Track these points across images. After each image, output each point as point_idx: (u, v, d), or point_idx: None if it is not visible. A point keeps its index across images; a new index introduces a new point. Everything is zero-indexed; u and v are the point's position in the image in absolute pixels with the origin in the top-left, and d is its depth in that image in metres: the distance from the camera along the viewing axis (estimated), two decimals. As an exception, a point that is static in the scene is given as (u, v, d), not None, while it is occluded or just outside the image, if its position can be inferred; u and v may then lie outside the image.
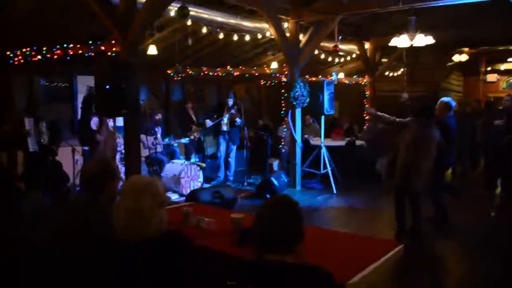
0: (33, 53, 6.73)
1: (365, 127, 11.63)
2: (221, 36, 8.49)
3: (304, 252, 1.92)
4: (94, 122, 7.15)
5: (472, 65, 14.86)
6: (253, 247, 1.98)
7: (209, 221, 3.23)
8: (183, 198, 6.88)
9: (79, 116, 7.79)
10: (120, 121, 6.02)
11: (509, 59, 15.04)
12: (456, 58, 13.16)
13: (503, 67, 15.89)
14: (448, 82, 15.03)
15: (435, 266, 4.83)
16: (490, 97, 14.38)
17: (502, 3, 6.75)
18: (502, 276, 4.27)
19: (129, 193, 2.13)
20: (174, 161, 8.22)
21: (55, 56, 6.65)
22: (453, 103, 6.09)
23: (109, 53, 6.09)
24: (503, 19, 9.21)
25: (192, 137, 9.08)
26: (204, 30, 8.12)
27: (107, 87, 4.90)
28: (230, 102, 8.74)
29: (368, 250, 2.83)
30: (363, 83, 12.30)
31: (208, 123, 8.72)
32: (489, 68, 15.89)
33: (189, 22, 7.41)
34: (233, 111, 8.60)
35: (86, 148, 7.11)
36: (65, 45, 6.54)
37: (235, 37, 8.71)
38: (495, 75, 16.14)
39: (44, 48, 6.65)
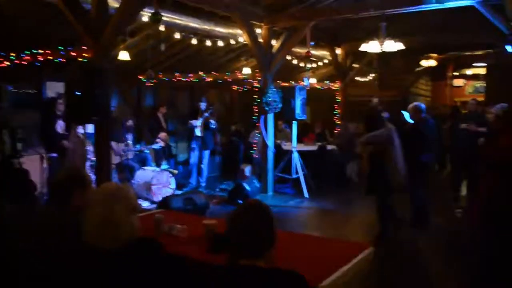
0: (0, 59, 6.58)
1: (336, 132, 11.78)
2: (194, 42, 8.48)
3: (276, 256, 1.94)
4: (60, 126, 7.00)
5: (440, 70, 15.25)
6: (226, 252, 1.99)
7: (181, 228, 3.22)
8: (154, 206, 6.82)
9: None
10: (89, 128, 5.94)
11: (475, 64, 15.51)
12: (425, 63, 13.48)
13: (469, 72, 16.38)
14: (417, 87, 15.40)
15: (406, 266, 4.93)
16: (457, 102, 14.78)
17: (468, 10, 6.97)
18: (472, 276, 4.38)
19: (100, 200, 2.12)
20: (145, 168, 8.13)
21: (24, 62, 6.52)
22: (423, 105, 6.34)
23: (80, 59, 6.00)
24: (470, 26, 9.50)
25: (161, 144, 8.98)
26: (177, 35, 8.10)
27: (78, 93, 4.83)
28: (203, 106, 8.74)
29: (340, 252, 2.87)
30: (334, 88, 12.46)
31: (194, 123, 8.68)
32: (456, 73, 16.35)
33: (162, 28, 7.38)
34: (207, 114, 8.61)
35: (54, 155, 6.96)
36: (34, 51, 6.41)
37: (208, 43, 8.72)
38: (462, 80, 16.63)
39: (13, 54, 6.51)
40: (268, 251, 1.93)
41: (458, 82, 16.55)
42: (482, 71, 15.27)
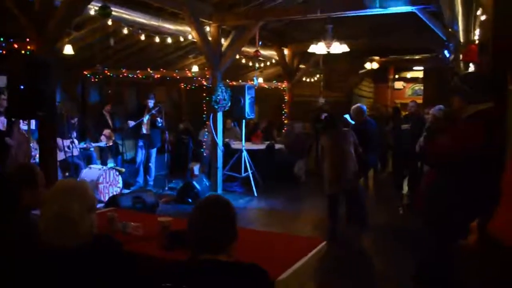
0: None
1: (283, 131, 11.96)
2: (142, 37, 8.33)
3: (234, 252, 1.97)
4: (1, 122, 6.68)
5: (382, 73, 15.85)
6: (187, 247, 2.00)
7: (135, 226, 3.17)
8: (101, 205, 6.64)
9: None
10: (32, 124, 5.70)
11: (414, 68, 16.24)
12: (368, 66, 13.96)
13: (409, 75, 17.15)
14: (360, 89, 15.90)
15: (354, 263, 5.11)
16: (397, 103, 15.41)
17: (410, 16, 7.30)
18: (414, 272, 4.59)
19: (56, 197, 2.06)
20: (91, 166, 7.90)
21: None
22: (365, 107, 6.67)
23: (23, 52, 5.75)
24: (410, 31, 9.94)
25: (105, 141, 8.76)
26: (125, 31, 7.92)
27: (21, 87, 4.63)
28: (151, 103, 8.60)
29: (294, 247, 2.94)
30: (282, 88, 12.64)
31: (131, 123, 8.51)
32: (396, 76, 17.05)
33: (109, 22, 7.19)
34: (153, 111, 8.48)
35: (-6, 153, 6.62)
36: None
37: (157, 39, 8.59)
38: (402, 82, 17.36)
39: None
40: (230, 246, 1.96)
41: (398, 84, 17.28)
42: (421, 74, 16.02)
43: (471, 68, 5.86)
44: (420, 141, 6.53)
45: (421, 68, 15.32)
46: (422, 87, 15.82)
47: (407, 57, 14.07)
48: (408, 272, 3.98)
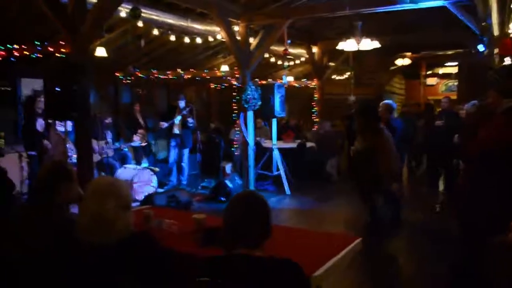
0: (-26, 55, 6.42)
1: (314, 129, 11.89)
2: (172, 38, 8.43)
3: (268, 248, 1.96)
4: (40, 124, 6.88)
5: (414, 69, 15.55)
6: (222, 243, 2.00)
7: (170, 223, 3.21)
8: (137, 204, 6.75)
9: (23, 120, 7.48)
10: (69, 126, 5.84)
11: (447, 64, 15.87)
12: (399, 62, 13.72)
13: (441, 71, 16.75)
14: (391, 85, 15.65)
15: (388, 262, 5.03)
16: (430, 100, 15.09)
17: (441, 11, 7.14)
18: (449, 274, 4.49)
19: (92, 196, 2.10)
20: (126, 166, 8.05)
21: (-2, 58, 6.37)
22: (394, 105, 6.44)
23: (57, 54, 5.89)
24: (442, 26, 9.73)
25: (139, 141, 8.91)
26: (155, 32, 8.03)
27: (58, 89, 4.75)
28: (181, 104, 8.69)
29: (330, 244, 2.92)
30: (311, 86, 12.57)
31: (164, 124, 8.63)
32: (429, 72, 16.69)
33: (140, 24, 7.30)
34: (184, 112, 8.57)
35: (33, 153, 6.83)
36: (9, 46, 6.26)
37: (186, 40, 8.67)
38: (435, 78, 16.98)
39: (-14, 50, 6.36)
40: (263, 241, 1.95)
41: (431, 80, 16.91)
42: (454, 70, 15.64)
43: (507, 61, 5.70)
44: (456, 138, 6.40)
45: (454, 63, 14.96)
46: (456, 83, 15.45)
47: (439, 53, 13.76)
48: (441, 273, 3.89)
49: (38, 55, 6.37)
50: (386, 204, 5.95)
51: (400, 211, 6.05)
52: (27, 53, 6.39)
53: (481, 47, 7.74)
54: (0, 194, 5.98)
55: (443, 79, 16.98)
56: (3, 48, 6.33)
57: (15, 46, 6.35)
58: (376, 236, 5.55)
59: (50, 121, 6.51)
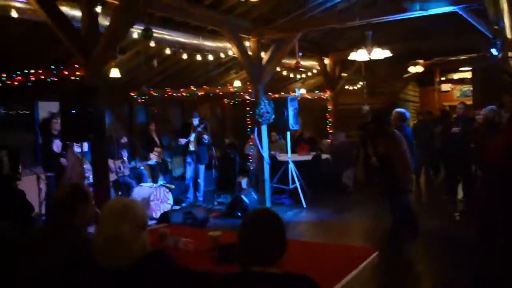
0: (-8, 79, 6.56)
1: (328, 141, 11.85)
2: (184, 56, 8.52)
3: (284, 263, 1.95)
4: (56, 145, 7.00)
5: (427, 75, 15.42)
6: (237, 260, 2.00)
7: (186, 241, 3.21)
8: (153, 222, 6.79)
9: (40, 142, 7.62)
10: (85, 147, 5.92)
11: (461, 69, 15.72)
12: (412, 69, 13.63)
13: (456, 76, 16.59)
14: (405, 93, 15.54)
15: (406, 272, 4.95)
16: (445, 106, 14.93)
17: (452, 16, 7.10)
18: (470, 280, 4.40)
19: (107, 218, 2.10)
20: (142, 184, 8.12)
21: (16, 83, 6.50)
22: (408, 114, 6.37)
23: (72, 78, 6.00)
24: (454, 31, 9.67)
25: (155, 159, 8.99)
26: (167, 51, 8.14)
27: (73, 111, 4.83)
28: (196, 121, 8.77)
29: (346, 257, 2.89)
30: (325, 98, 12.56)
31: (182, 141, 8.70)
32: (443, 78, 16.54)
33: (152, 44, 7.41)
34: (199, 129, 8.63)
35: (51, 174, 6.93)
36: (26, 71, 6.40)
37: (198, 57, 8.76)
38: (449, 84, 16.83)
39: (4, 75, 6.49)
40: (280, 258, 1.94)
41: (445, 86, 16.76)
42: (468, 75, 15.49)
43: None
44: (472, 144, 6.31)
45: (468, 68, 14.82)
46: (471, 88, 15.29)
47: (453, 58, 13.64)
48: (460, 281, 3.82)
49: (54, 78, 6.48)
50: (402, 212, 5.86)
51: (416, 219, 5.96)
52: (44, 77, 6.51)
53: (494, 51, 7.67)
54: (19, 215, 6.09)
55: (457, 84, 16.82)
56: (20, 73, 6.47)
57: (32, 70, 6.48)
58: (395, 245, 5.47)
59: (68, 142, 6.62)
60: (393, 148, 5.60)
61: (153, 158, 8.97)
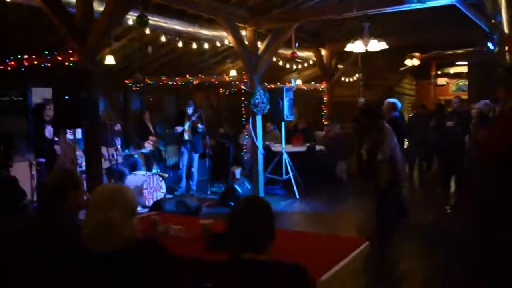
0: (-16, 65, 6.51)
1: (324, 132, 11.85)
2: (180, 44, 8.47)
3: (274, 252, 1.95)
4: (48, 131, 6.96)
5: (423, 69, 15.41)
6: (224, 251, 2.00)
7: (177, 228, 3.21)
8: (146, 210, 6.79)
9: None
10: (78, 133, 5.88)
11: (457, 63, 15.73)
12: (408, 62, 13.61)
13: (452, 70, 16.61)
14: (401, 86, 15.55)
15: (398, 263, 4.98)
16: (441, 100, 14.95)
17: (449, 9, 7.08)
18: (462, 273, 4.44)
19: (98, 203, 2.10)
20: (135, 172, 8.10)
21: (9, 68, 6.44)
22: (399, 104, 6.32)
23: (66, 63, 5.95)
24: (451, 25, 9.65)
25: (149, 148, 8.97)
26: (163, 39, 8.08)
27: (66, 97, 4.79)
28: (190, 110, 8.74)
29: (337, 248, 2.90)
30: (320, 89, 12.54)
31: (178, 129, 8.67)
32: (439, 72, 16.55)
33: (147, 31, 7.35)
34: (194, 118, 8.60)
35: (42, 160, 6.90)
36: (19, 56, 6.34)
37: (194, 46, 8.71)
38: (445, 78, 16.85)
39: (-3, 60, 6.45)
40: (268, 245, 1.94)
41: (441, 80, 16.78)
42: (464, 69, 15.50)
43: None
44: (467, 138, 6.32)
45: (465, 62, 14.82)
46: (466, 82, 15.31)
47: (449, 52, 13.62)
48: (452, 275, 3.85)
49: (48, 64, 6.42)
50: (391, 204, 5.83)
51: (406, 208, 5.95)
52: (37, 63, 6.45)
53: (491, 45, 7.67)
54: (12, 202, 6.07)
55: (453, 79, 16.84)
56: (13, 58, 6.41)
57: (25, 56, 6.42)
58: (384, 236, 5.47)
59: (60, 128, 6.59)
60: (384, 142, 5.55)
61: (148, 147, 8.94)
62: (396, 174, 5.37)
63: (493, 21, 6.17)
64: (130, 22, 6.71)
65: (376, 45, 7.96)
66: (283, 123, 8.73)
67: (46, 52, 6.40)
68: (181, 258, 2.67)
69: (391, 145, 5.35)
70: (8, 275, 2.34)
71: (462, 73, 16.06)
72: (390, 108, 6.17)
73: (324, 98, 12.39)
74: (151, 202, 7.02)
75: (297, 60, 11.01)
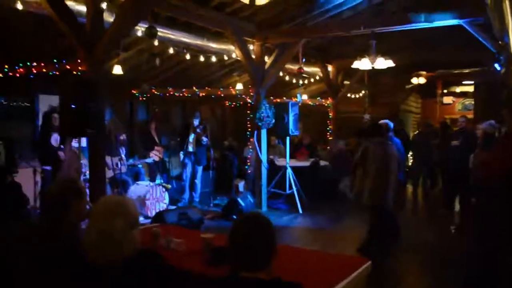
0: (-6, 70, 6.57)
1: (328, 148, 11.84)
2: (187, 57, 8.53)
3: (276, 269, 1.94)
4: (54, 139, 6.98)
5: (430, 87, 15.41)
6: (227, 264, 1.99)
7: (178, 242, 3.20)
8: (148, 221, 6.77)
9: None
10: (83, 142, 5.90)
11: (464, 82, 15.72)
12: (415, 81, 13.63)
13: (458, 89, 16.60)
14: (407, 104, 15.55)
15: (398, 283, 4.93)
16: (446, 119, 14.93)
17: (457, 29, 7.11)
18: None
19: (100, 214, 2.10)
20: (139, 182, 8.10)
21: (18, 75, 6.50)
22: (391, 124, 6.34)
23: (74, 72, 6.00)
24: (458, 44, 9.67)
25: (155, 158, 8.99)
26: (171, 50, 8.14)
27: (73, 106, 4.81)
28: (196, 122, 8.76)
29: (338, 266, 2.87)
30: (326, 105, 12.55)
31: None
32: (445, 91, 16.55)
33: (155, 43, 7.41)
34: (198, 130, 8.62)
35: (48, 168, 6.92)
36: (28, 64, 6.40)
37: (202, 58, 8.77)
38: (451, 97, 16.84)
39: (6, 66, 6.49)
40: (269, 263, 1.93)
41: (447, 99, 16.76)
42: (471, 88, 15.49)
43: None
44: (471, 157, 6.28)
45: (471, 82, 14.82)
46: (472, 102, 15.29)
47: (456, 71, 13.64)
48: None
49: (56, 72, 6.48)
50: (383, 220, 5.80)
51: (397, 226, 5.91)
52: (45, 71, 6.51)
53: (497, 66, 7.66)
54: (14, 208, 6.07)
55: (459, 97, 16.83)
56: (22, 65, 6.47)
57: (34, 63, 6.48)
58: (377, 254, 5.41)
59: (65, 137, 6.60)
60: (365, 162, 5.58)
61: (153, 157, 8.96)
62: (383, 190, 5.38)
63: (500, 42, 6.18)
64: (139, 33, 6.77)
65: (383, 63, 7.97)
66: (287, 137, 8.73)
67: (55, 60, 6.46)
68: (181, 271, 2.67)
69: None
70: (8, 281, 2.34)
71: (468, 92, 16.05)
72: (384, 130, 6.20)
73: (330, 114, 12.40)
74: (154, 213, 7.00)
75: (303, 75, 11.04)
